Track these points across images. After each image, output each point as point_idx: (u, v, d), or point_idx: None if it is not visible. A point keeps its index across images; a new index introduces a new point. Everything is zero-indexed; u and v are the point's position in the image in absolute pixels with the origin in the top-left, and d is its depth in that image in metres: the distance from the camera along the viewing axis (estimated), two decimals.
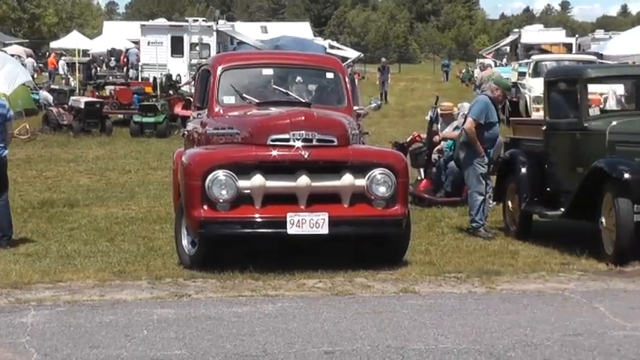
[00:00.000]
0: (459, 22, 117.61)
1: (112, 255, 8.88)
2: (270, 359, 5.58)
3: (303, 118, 8.22)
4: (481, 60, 39.92)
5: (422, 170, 13.30)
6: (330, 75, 9.68)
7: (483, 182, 10.29)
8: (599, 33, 43.63)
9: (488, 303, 7.00)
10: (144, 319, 6.45)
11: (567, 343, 5.85)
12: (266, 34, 41.24)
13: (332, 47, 38.16)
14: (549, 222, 10.30)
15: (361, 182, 8.08)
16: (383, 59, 42.85)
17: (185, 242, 8.36)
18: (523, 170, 10.15)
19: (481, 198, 10.23)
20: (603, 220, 8.62)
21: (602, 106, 17.78)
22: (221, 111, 9.13)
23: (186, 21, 33.96)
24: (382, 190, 8.08)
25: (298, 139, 8.04)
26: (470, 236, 10.06)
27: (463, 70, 56.30)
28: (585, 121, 9.41)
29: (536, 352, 5.67)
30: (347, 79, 9.82)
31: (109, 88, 27.16)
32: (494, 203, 11.43)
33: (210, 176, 7.89)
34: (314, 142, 8.09)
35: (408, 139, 13.82)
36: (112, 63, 39.42)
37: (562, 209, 9.48)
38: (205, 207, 7.95)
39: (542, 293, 7.37)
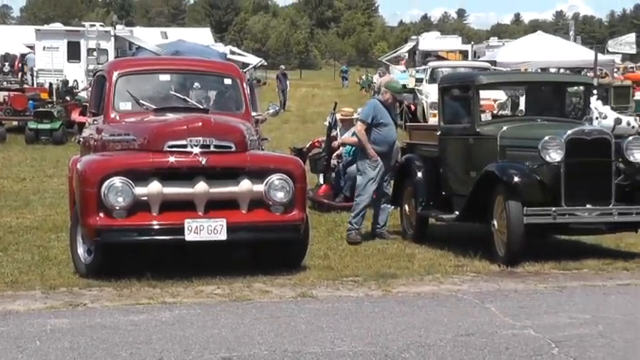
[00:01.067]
0: (358, 28, 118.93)
1: (4, 265, 8.65)
2: None
3: (200, 124, 8.20)
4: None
5: (321, 175, 13.41)
6: (227, 81, 9.67)
7: (372, 187, 10.29)
8: (494, 40, 44.87)
9: (384, 306, 7.11)
10: (37, 330, 6.32)
11: (459, 343, 5.99)
12: (166, 40, 40.78)
13: (233, 53, 38.01)
14: (445, 225, 10.52)
15: (259, 188, 8.11)
16: (282, 67, 42.84)
17: (81, 251, 8.22)
18: (419, 175, 10.33)
19: (364, 203, 10.27)
20: (495, 222, 8.85)
21: (495, 111, 18.26)
22: (117, 117, 9.02)
23: (84, 26, 33.35)
24: (280, 196, 8.13)
25: (196, 145, 8.02)
26: (368, 240, 10.18)
27: (362, 77, 56.91)
28: (477, 127, 9.66)
29: (429, 352, 5.79)
30: (245, 85, 9.83)
31: (2, 94, 26.43)
32: (393, 207, 11.62)
33: (106, 183, 7.79)
34: (211, 148, 8.08)
35: (307, 145, 13.92)
36: (6, 68, 38.33)
37: (456, 212, 9.69)
38: (101, 214, 7.84)
39: (436, 295, 7.53)
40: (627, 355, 5.70)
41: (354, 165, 11.93)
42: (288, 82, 37.52)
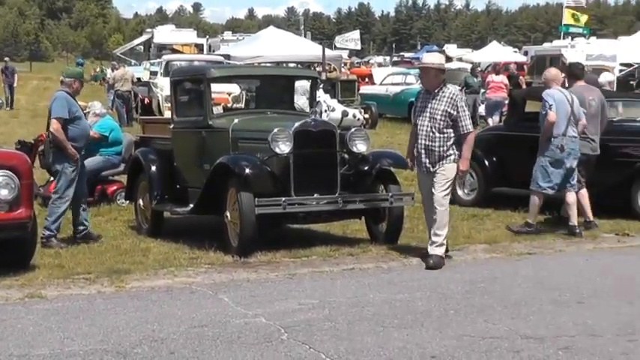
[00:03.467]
0: (92, 20, 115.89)
1: None
2: None
3: None
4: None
5: None
6: None
7: (73, 187, 9.50)
8: (228, 35, 45.53)
9: (117, 302, 7.00)
10: None
11: (193, 334, 6.03)
12: None
13: None
14: (181, 218, 10.52)
15: None
16: (6, 59, 40.34)
17: None
18: (153, 168, 10.26)
19: (65, 206, 9.54)
20: (228, 214, 8.96)
21: (230, 104, 18.52)
22: None
23: None
24: (4, 193, 7.77)
25: None
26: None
27: (97, 69, 55.57)
28: (210, 120, 9.74)
29: (162, 346, 5.78)
30: None
31: None
32: (127, 202, 11.45)
33: None
34: None
35: (33, 139, 13.36)
36: None
37: (191, 205, 9.72)
38: None
39: (170, 288, 7.52)
40: (350, 335, 6.00)
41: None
42: (16, 76, 35.36)
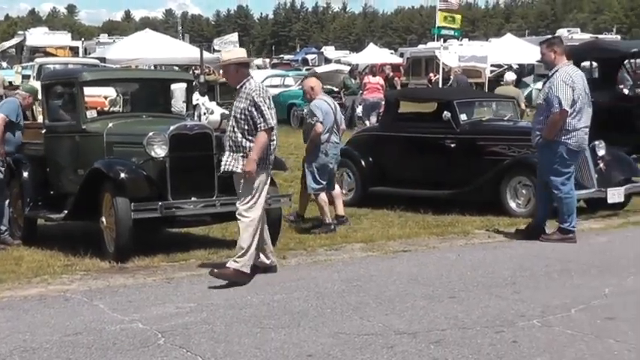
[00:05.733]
0: None
1: None
2: None
3: None
4: None
5: None
6: None
7: (5, 188, 9.81)
8: (104, 37, 44.78)
9: None
10: None
11: (66, 343, 5.92)
12: None
13: None
14: (56, 225, 10.31)
15: None
16: None
17: None
18: (25, 175, 10.06)
19: (4, 205, 9.78)
20: (104, 219, 8.84)
21: (107, 108, 18.26)
22: None
23: None
24: None
25: None
26: None
27: None
28: (83, 124, 9.60)
29: (34, 356, 5.66)
30: None
31: None
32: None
33: None
34: None
35: None
36: None
37: (65, 211, 9.54)
38: None
39: (44, 297, 7.35)
40: (228, 337, 6.01)
41: None
42: None
